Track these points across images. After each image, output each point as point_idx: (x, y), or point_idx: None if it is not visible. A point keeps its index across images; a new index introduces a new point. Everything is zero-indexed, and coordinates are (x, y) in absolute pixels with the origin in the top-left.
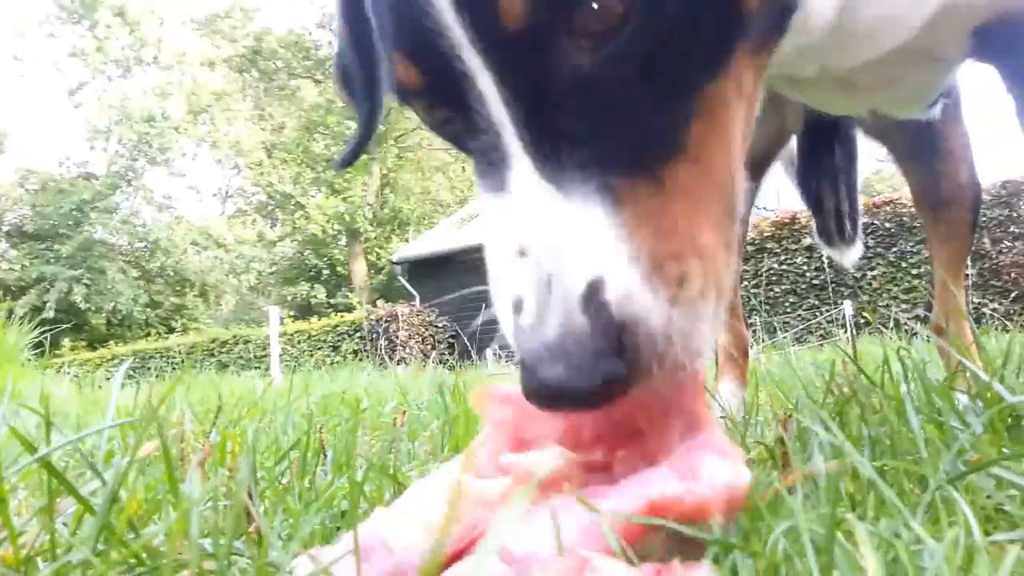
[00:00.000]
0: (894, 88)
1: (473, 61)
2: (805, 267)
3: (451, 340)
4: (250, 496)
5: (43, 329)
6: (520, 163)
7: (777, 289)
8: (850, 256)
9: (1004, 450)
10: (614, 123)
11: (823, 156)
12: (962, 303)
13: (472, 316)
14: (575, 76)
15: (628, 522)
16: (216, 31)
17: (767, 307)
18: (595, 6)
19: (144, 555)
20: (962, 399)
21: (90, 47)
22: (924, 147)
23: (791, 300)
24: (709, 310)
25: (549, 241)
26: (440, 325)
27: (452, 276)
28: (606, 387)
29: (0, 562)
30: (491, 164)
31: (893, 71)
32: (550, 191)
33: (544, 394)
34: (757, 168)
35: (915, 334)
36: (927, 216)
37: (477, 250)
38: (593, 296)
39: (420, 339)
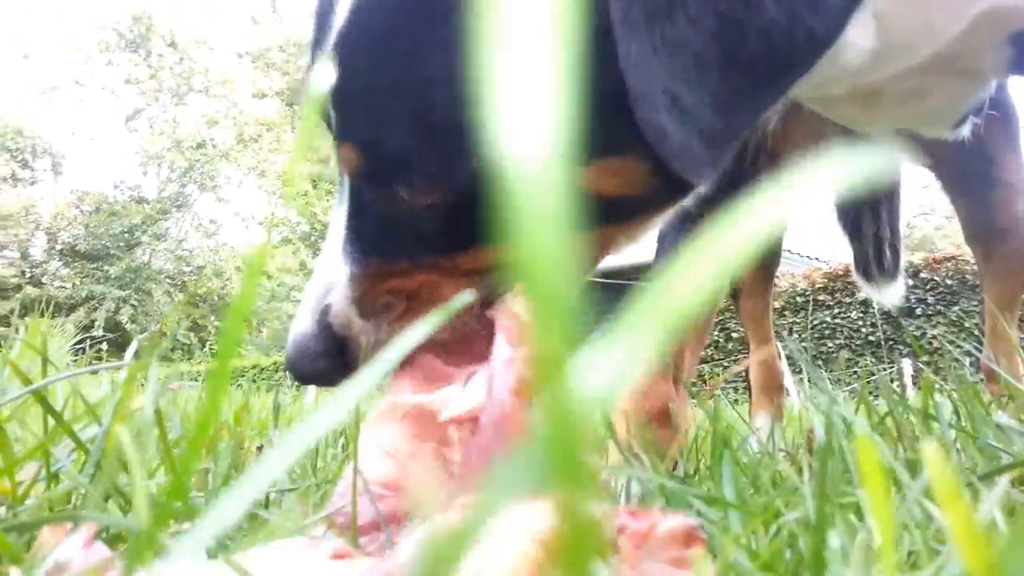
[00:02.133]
0: (919, 102)
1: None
2: (860, 322)
3: None
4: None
5: (91, 342)
6: (334, 234)
7: (830, 344)
8: (891, 294)
9: None
10: (395, 241)
11: None
12: (1015, 343)
13: None
14: (381, 210)
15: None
16: (270, 64)
17: (818, 363)
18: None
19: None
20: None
21: (144, 75)
22: (976, 175)
23: (845, 355)
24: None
25: (317, 282)
26: None
27: None
28: (321, 373)
29: None
30: None
31: (921, 82)
32: (336, 254)
33: (290, 372)
34: None
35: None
36: (978, 250)
37: None
38: (323, 317)
39: None
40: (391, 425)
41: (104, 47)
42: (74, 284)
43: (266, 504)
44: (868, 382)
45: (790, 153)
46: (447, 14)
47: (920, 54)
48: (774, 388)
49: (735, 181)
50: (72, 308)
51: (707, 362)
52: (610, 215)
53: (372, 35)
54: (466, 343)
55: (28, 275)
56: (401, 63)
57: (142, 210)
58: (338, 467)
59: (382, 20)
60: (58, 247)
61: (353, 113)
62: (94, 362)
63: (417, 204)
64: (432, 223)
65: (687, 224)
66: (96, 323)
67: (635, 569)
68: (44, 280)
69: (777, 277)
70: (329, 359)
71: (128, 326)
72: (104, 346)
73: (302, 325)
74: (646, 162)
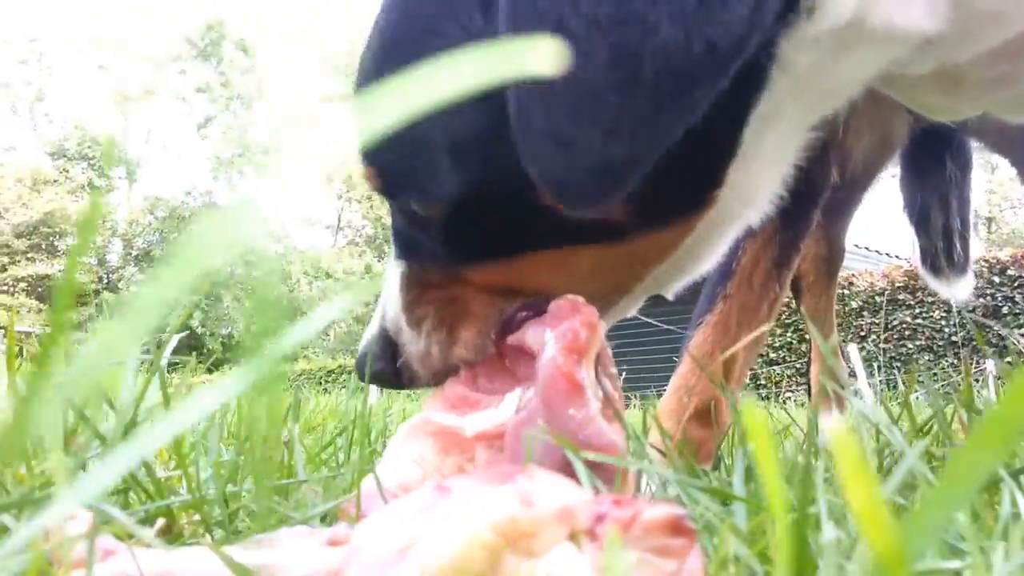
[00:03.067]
0: (1006, 88)
1: None
2: (943, 322)
3: None
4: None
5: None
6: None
7: (910, 345)
8: (960, 288)
9: None
10: (427, 251)
11: (932, 165)
12: None
13: None
14: (411, 220)
15: None
16: (338, 69)
17: (898, 364)
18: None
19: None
20: None
21: (215, 82)
22: None
23: (926, 358)
24: (443, 342)
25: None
26: None
27: None
28: (376, 375)
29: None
30: None
31: (1011, 67)
32: (394, 268)
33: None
34: (857, 183)
35: None
36: None
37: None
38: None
39: None
40: (421, 438)
41: (177, 56)
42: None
43: (287, 494)
44: (945, 384)
45: (858, 145)
46: (427, 40)
47: (1012, 29)
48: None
49: (803, 175)
50: None
51: (777, 364)
52: (598, 234)
53: (384, 56)
54: (493, 369)
55: (105, 281)
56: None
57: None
58: (361, 464)
59: (391, 38)
60: (133, 253)
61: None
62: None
63: (430, 217)
64: (444, 237)
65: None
66: (167, 327)
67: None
68: (120, 285)
69: (855, 276)
70: (386, 361)
71: (199, 330)
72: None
73: (372, 327)
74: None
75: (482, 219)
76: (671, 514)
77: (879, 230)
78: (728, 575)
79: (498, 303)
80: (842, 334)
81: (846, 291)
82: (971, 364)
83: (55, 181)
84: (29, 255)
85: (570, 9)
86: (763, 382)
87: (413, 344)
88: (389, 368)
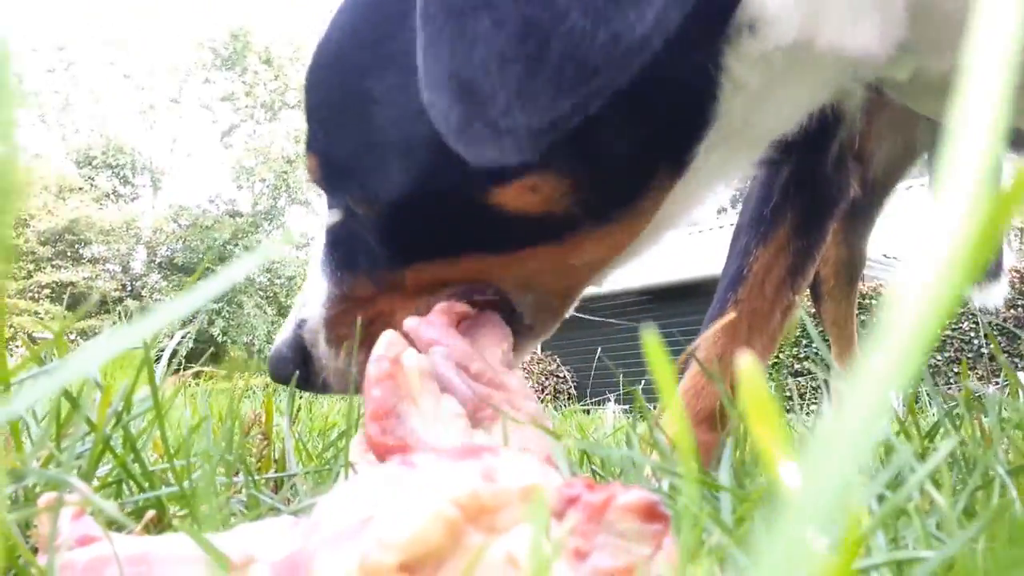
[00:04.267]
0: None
1: None
2: (972, 333)
3: (571, 392)
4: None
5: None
6: (316, 246)
7: (939, 357)
8: (993, 295)
9: None
10: (357, 254)
11: None
12: None
13: (597, 368)
14: (344, 222)
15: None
16: None
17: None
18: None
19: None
20: None
21: (239, 91)
22: None
23: (955, 371)
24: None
25: (304, 293)
26: (561, 375)
27: (576, 324)
28: (288, 378)
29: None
30: None
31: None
32: (317, 267)
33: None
34: (879, 188)
35: None
36: None
37: (602, 299)
38: (299, 328)
39: (540, 388)
40: None
41: (201, 65)
42: (171, 297)
43: (278, 487)
44: (973, 394)
45: (879, 151)
46: (375, 47)
47: None
48: None
49: (818, 186)
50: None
51: (802, 375)
52: (536, 234)
53: (331, 53)
54: None
55: (129, 288)
56: (348, 81)
57: (234, 223)
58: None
59: (339, 38)
60: (157, 260)
61: (314, 125)
62: (184, 371)
63: (366, 216)
64: (382, 236)
65: (761, 227)
66: (188, 334)
67: (587, 540)
68: (143, 293)
69: (882, 286)
70: (296, 367)
71: (220, 338)
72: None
73: (284, 332)
74: (565, 178)
75: (426, 218)
76: (645, 499)
77: (908, 239)
78: (704, 563)
79: (422, 308)
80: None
81: (873, 301)
82: (991, 373)
83: (80, 189)
84: (54, 262)
85: None
86: (787, 393)
87: (330, 360)
88: (303, 373)
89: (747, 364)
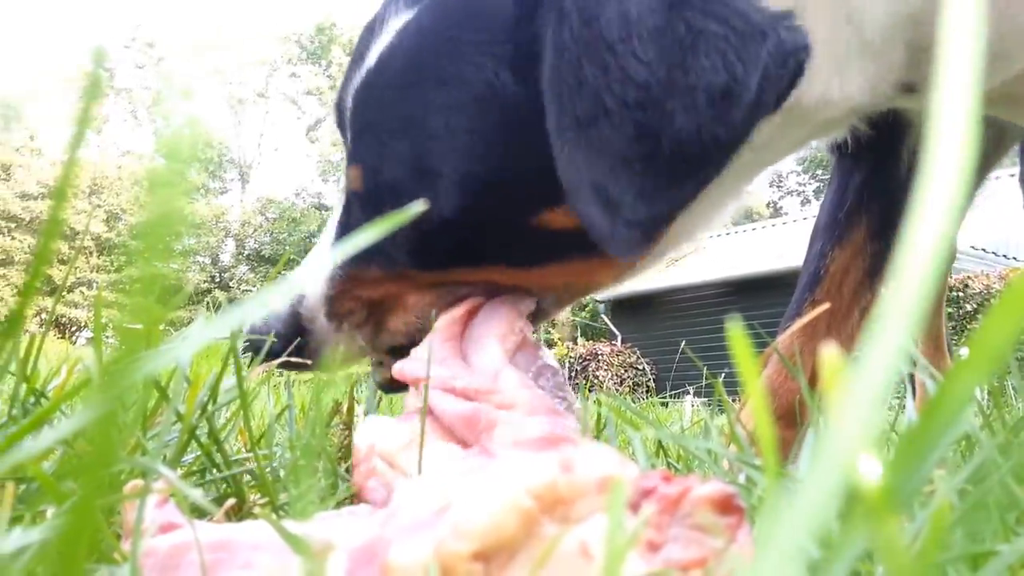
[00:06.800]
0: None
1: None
2: None
3: (649, 384)
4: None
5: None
6: (326, 234)
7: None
8: None
9: None
10: (375, 251)
11: None
12: None
13: (677, 361)
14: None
15: None
16: None
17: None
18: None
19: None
20: None
21: (324, 85)
22: None
23: None
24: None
25: (303, 271)
26: (640, 368)
27: (657, 316)
28: (274, 353)
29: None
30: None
31: None
32: (325, 251)
33: (246, 343)
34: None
35: None
36: None
37: (683, 290)
38: (296, 304)
39: (619, 380)
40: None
41: (287, 59)
42: (258, 288)
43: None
44: None
45: None
46: (450, 81)
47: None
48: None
49: (894, 191)
50: None
51: None
52: (573, 247)
53: (390, 83)
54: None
55: (217, 280)
56: (410, 114)
57: (321, 217)
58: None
59: (401, 72)
60: (245, 253)
61: (364, 139)
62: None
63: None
64: (413, 246)
65: (836, 231)
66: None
67: (660, 532)
68: (232, 284)
69: (971, 278)
70: (286, 343)
71: None
72: None
73: (281, 304)
74: None
75: (466, 234)
76: (721, 491)
77: (997, 231)
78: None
79: (430, 296)
80: (956, 337)
81: (960, 294)
82: None
83: (170, 183)
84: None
85: (604, 86)
86: None
87: (329, 335)
88: (281, 350)
89: (831, 355)
